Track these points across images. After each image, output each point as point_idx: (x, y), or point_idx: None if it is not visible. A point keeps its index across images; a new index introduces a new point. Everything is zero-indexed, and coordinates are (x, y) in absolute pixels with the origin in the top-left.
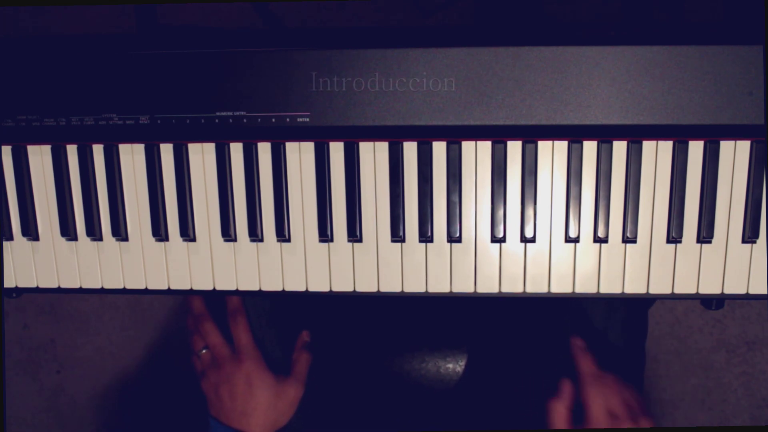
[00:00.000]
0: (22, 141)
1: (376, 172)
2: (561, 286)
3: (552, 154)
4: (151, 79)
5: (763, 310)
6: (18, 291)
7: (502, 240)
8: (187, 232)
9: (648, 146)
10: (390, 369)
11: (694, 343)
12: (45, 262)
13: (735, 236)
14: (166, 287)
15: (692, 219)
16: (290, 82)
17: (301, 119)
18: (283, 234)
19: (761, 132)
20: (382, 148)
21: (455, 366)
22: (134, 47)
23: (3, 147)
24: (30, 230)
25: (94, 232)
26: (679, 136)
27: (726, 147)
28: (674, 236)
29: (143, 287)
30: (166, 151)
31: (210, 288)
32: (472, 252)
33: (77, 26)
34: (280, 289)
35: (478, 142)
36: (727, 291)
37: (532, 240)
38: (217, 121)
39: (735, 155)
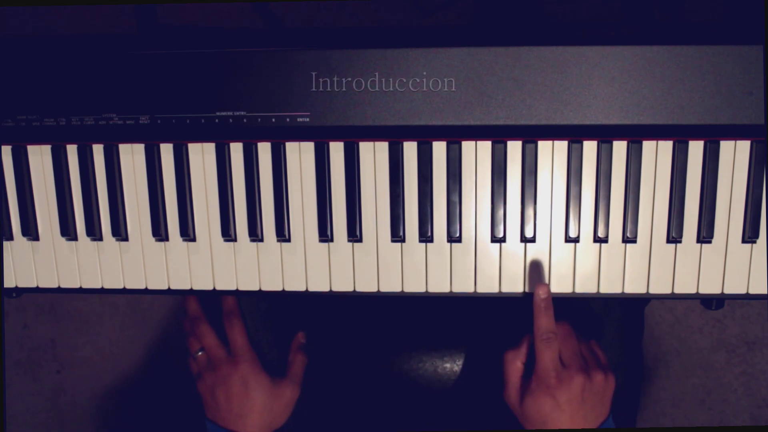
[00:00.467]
0: (22, 141)
1: (376, 172)
2: (561, 286)
3: (552, 154)
4: (151, 79)
5: (763, 310)
6: (18, 291)
7: (502, 240)
8: (187, 232)
9: (648, 146)
10: (387, 369)
11: (694, 343)
12: (45, 262)
13: (735, 236)
14: (166, 287)
15: (692, 219)
16: (290, 82)
17: (301, 119)
18: (283, 234)
19: (761, 132)
20: (382, 148)
21: (453, 366)
22: (134, 47)
23: (3, 147)
24: (30, 230)
25: (94, 232)
26: (679, 136)
27: (726, 147)
28: (674, 236)
29: (143, 287)
30: (166, 151)
31: (210, 288)
32: (472, 252)
33: (77, 26)
34: (280, 289)
35: (478, 142)
36: (727, 291)
37: (532, 240)
38: (217, 121)
39: (735, 155)
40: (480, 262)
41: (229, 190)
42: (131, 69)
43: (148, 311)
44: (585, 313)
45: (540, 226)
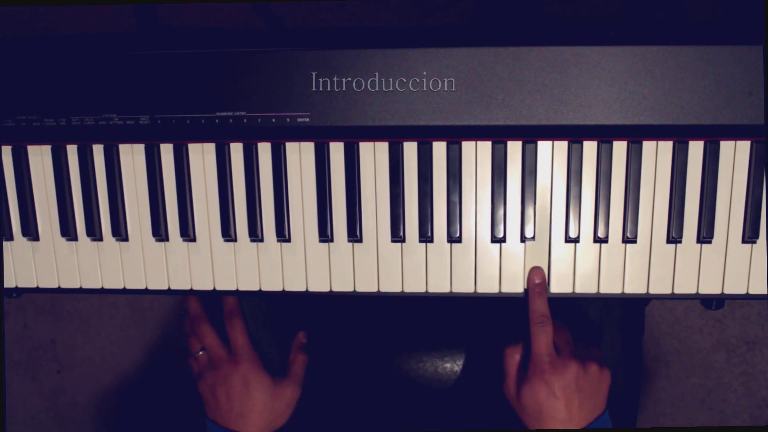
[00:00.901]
0: (22, 141)
1: (376, 172)
2: (561, 286)
3: (552, 154)
4: (151, 79)
5: (763, 310)
6: (18, 291)
7: (502, 240)
8: (187, 232)
9: (648, 146)
10: (387, 369)
11: (694, 343)
12: (45, 262)
13: (735, 236)
14: (166, 287)
15: (692, 219)
16: (290, 82)
17: (301, 119)
18: (283, 234)
19: (761, 132)
20: (382, 148)
21: (453, 366)
22: (134, 47)
23: (3, 147)
24: (30, 230)
25: (94, 232)
26: (679, 136)
27: (726, 147)
28: (674, 236)
29: (143, 287)
30: (166, 151)
31: (210, 288)
32: (472, 252)
33: (77, 26)
34: (280, 289)
35: (478, 142)
36: (727, 291)
37: (532, 240)
38: (217, 121)
39: (735, 155)
40: (480, 262)
41: (229, 191)
42: (131, 69)
43: (148, 311)
44: (582, 322)
45: (540, 226)
